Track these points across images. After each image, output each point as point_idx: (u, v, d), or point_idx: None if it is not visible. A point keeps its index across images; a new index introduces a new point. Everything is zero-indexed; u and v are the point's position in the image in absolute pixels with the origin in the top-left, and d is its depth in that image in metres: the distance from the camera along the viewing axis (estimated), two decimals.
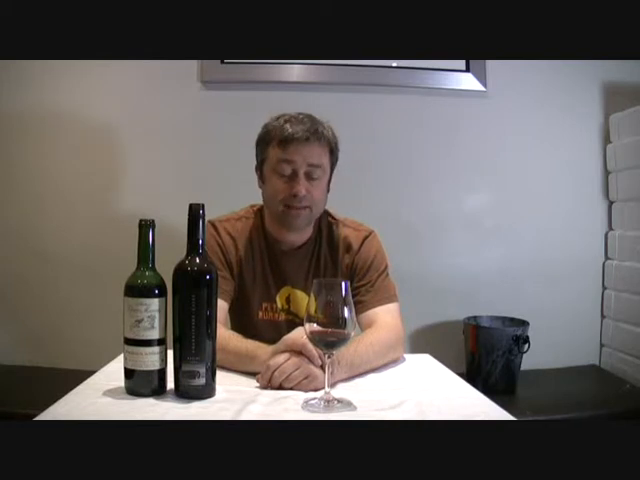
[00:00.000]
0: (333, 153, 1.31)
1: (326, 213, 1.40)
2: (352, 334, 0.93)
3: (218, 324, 0.99)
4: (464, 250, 2.15)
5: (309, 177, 1.26)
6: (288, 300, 1.36)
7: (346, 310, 0.91)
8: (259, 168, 1.34)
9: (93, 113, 2.03)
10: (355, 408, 0.91)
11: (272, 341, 1.07)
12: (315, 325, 0.91)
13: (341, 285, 0.92)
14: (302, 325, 1.04)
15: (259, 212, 1.39)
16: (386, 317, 1.27)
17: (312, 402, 0.91)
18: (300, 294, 1.34)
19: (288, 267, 1.35)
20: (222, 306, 1.23)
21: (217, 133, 2.05)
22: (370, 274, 1.34)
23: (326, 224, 1.39)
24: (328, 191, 1.34)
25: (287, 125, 1.24)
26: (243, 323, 1.35)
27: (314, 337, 0.92)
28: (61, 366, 1.92)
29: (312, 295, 0.93)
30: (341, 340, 0.92)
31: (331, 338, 0.91)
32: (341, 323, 0.91)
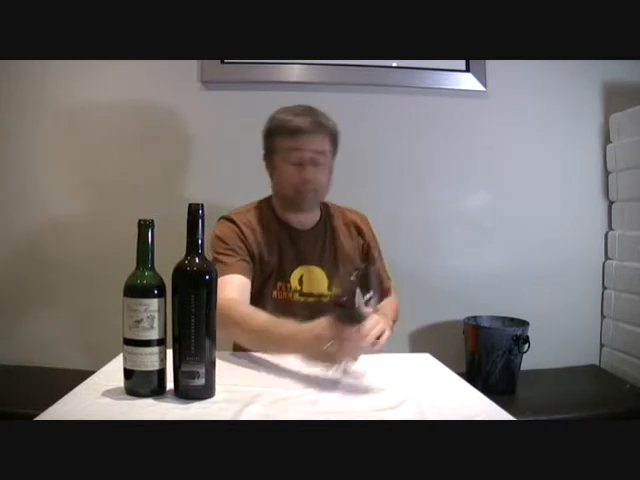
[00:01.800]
0: (334, 140, 1.43)
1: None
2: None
3: (243, 305, 1.21)
4: (464, 250, 2.15)
5: (315, 163, 1.38)
6: (301, 281, 1.44)
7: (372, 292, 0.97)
8: (268, 158, 1.46)
9: (93, 113, 2.03)
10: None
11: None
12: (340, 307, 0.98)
13: (367, 269, 1.00)
14: (314, 304, 1.37)
15: (266, 201, 1.50)
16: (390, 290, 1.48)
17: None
18: (316, 270, 1.45)
19: (303, 247, 1.45)
20: (246, 286, 1.34)
21: (217, 133, 2.05)
22: (376, 253, 1.55)
23: (328, 208, 1.54)
24: (331, 174, 1.46)
25: (291, 117, 1.37)
26: (257, 303, 1.38)
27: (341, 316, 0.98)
28: (61, 366, 1.92)
29: (338, 279, 1.06)
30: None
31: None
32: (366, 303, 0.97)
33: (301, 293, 1.43)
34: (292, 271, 1.43)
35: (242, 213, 1.45)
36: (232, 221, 1.42)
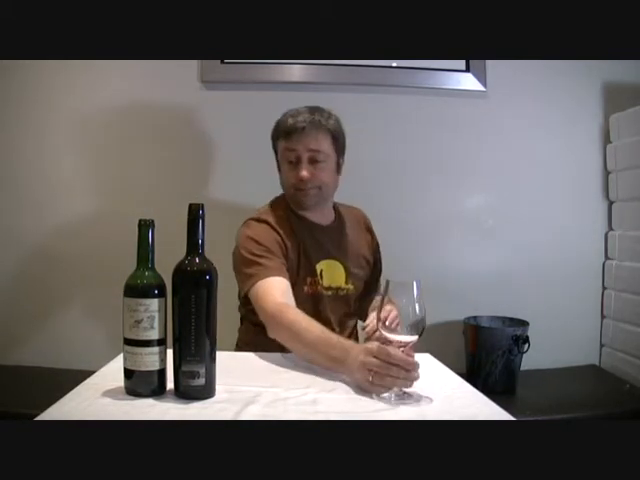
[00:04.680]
0: (337, 139, 1.44)
1: None
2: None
3: (295, 310, 1.20)
4: (464, 250, 2.15)
5: (313, 161, 1.40)
6: (321, 275, 1.46)
7: (418, 308, 1.05)
8: (276, 159, 1.49)
9: (93, 113, 2.03)
10: (431, 401, 0.95)
11: (313, 313, 1.28)
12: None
13: (413, 285, 1.04)
14: (334, 296, 1.44)
15: (283, 199, 1.50)
16: None
17: (385, 396, 0.96)
18: (336, 264, 1.48)
19: (324, 241, 1.47)
20: (289, 287, 1.31)
21: (217, 133, 2.05)
22: (379, 254, 1.63)
23: (338, 208, 1.56)
24: (339, 173, 1.49)
25: (289, 119, 1.40)
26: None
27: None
28: (61, 366, 1.92)
29: (386, 298, 1.02)
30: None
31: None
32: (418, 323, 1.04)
33: (322, 286, 1.45)
34: (316, 265, 1.45)
35: (268, 212, 1.45)
36: (264, 222, 1.41)
